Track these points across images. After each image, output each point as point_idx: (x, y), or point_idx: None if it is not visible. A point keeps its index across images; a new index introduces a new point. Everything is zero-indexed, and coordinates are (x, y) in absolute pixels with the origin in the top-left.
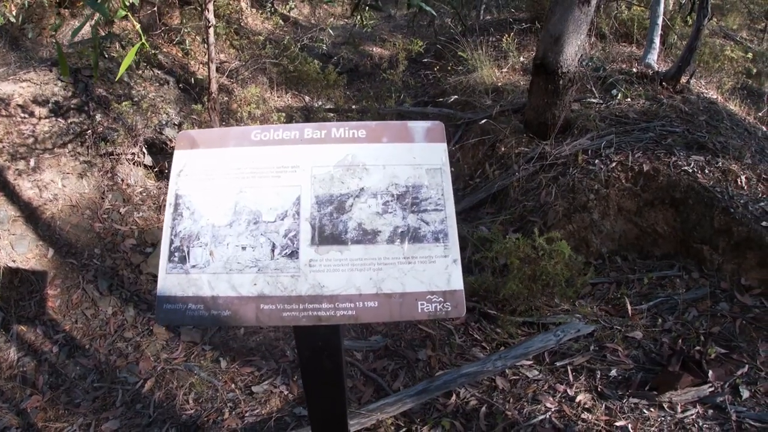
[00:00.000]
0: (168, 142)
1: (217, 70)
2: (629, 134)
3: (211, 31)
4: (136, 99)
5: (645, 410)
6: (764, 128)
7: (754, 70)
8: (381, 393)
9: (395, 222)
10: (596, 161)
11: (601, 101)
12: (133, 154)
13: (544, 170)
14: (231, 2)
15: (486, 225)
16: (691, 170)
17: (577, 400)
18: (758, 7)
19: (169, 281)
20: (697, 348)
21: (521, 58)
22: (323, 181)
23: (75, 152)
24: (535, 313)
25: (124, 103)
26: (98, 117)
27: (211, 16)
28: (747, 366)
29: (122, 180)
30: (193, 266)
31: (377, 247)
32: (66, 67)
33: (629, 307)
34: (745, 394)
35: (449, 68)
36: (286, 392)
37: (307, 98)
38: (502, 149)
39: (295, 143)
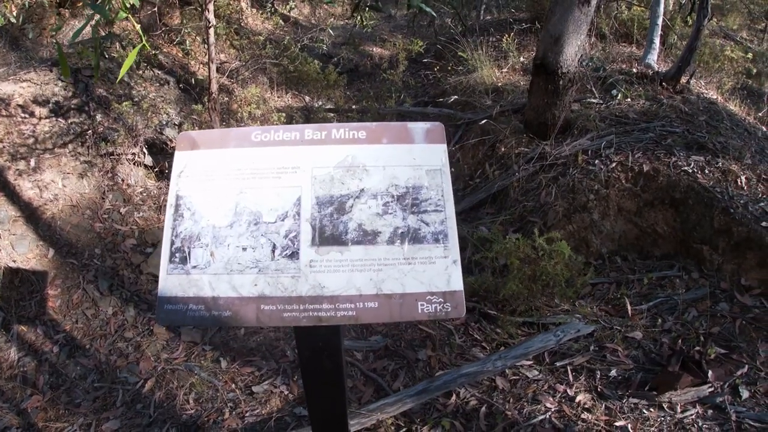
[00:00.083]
0: (168, 142)
1: (218, 70)
2: (629, 134)
3: (212, 31)
4: (136, 99)
5: (645, 410)
6: (764, 128)
7: (754, 71)
8: (381, 393)
9: (395, 223)
10: (596, 161)
11: (601, 101)
12: (133, 154)
13: (544, 170)
14: (231, 2)
15: (486, 225)
16: (691, 170)
17: (577, 400)
18: (758, 7)
19: (170, 282)
20: (697, 348)
21: (521, 58)
22: (323, 182)
23: (75, 152)
24: (535, 313)
25: (124, 103)
26: (99, 117)
27: (211, 16)
28: (747, 366)
29: (122, 180)
30: (194, 267)
31: (377, 248)
32: (67, 68)
33: (629, 308)
34: (745, 394)
35: (449, 68)
36: (286, 392)
37: (307, 98)
38: (502, 149)
39: (296, 144)
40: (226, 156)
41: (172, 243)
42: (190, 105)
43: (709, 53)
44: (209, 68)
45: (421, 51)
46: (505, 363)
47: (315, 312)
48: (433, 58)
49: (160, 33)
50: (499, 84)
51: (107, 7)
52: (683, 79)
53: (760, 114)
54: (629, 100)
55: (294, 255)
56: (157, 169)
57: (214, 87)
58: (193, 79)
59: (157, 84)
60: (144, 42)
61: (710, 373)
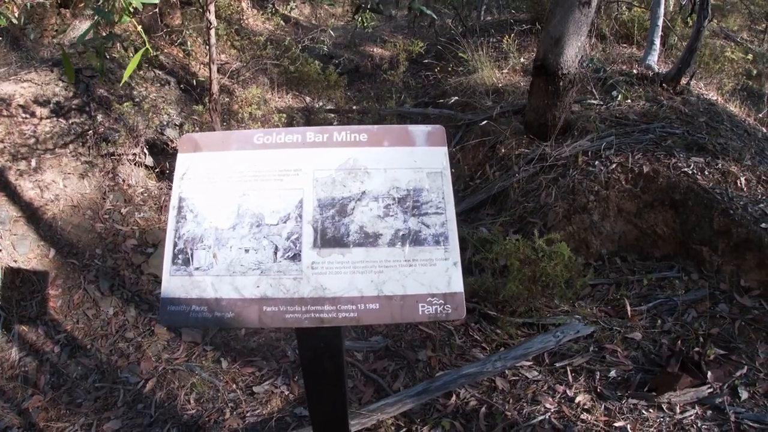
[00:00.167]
0: (169, 143)
1: (218, 70)
2: (629, 136)
3: (213, 32)
4: (137, 100)
5: (644, 411)
6: (764, 129)
7: (755, 72)
8: (381, 393)
9: (396, 225)
10: (596, 163)
11: (602, 102)
12: (134, 154)
13: (544, 171)
14: (232, 3)
15: (486, 226)
16: (690, 172)
17: (577, 400)
18: (759, 8)
19: (173, 283)
20: (696, 349)
21: (522, 59)
22: (325, 185)
23: (76, 153)
24: (534, 314)
25: (125, 103)
26: (99, 117)
27: (212, 17)
28: (746, 367)
29: (123, 180)
30: (197, 268)
31: (378, 250)
32: (72, 72)
33: (629, 308)
34: (744, 395)
35: (450, 69)
36: (286, 392)
37: (307, 99)
38: (503, 150)
39: (298, 147)
40: (228, 158)
41: (175, 245)
42: (190, 105)
43: (710, 54)
44: (210, 69)
45: (422, 52)
46: (504, 364)
47: (317, 313)
48: (433, 59)
49: (161, 34)
50: (500, 85)
51: (111, 11)
52: (683, 81)
53: (760, 115)
54: (629, 101)
55: (296, 257)
56: (157, 170)
57: (215, 88)
58: (194, 80)
59: (158, 84)
60: (147, 46)
61: (709, 374)
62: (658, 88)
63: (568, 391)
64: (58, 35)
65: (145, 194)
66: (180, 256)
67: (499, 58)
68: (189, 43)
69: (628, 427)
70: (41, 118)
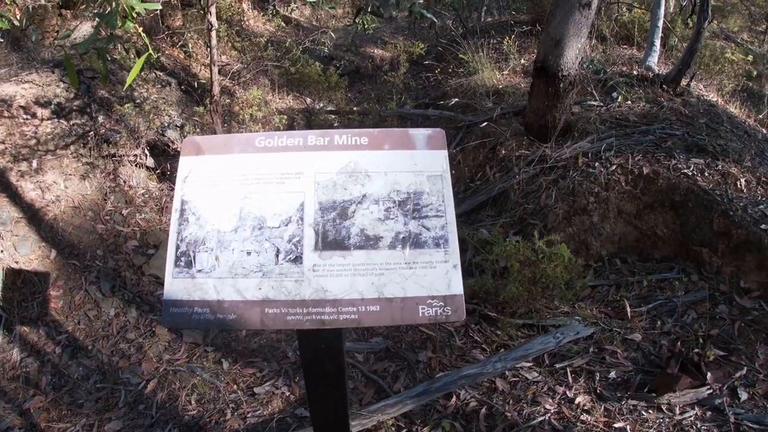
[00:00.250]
0: (170, 144)
1: (219, 72)
2: (629, 137)
3: (214, 33)
4: (138, 101)
5: (644, 412)
6: (764, 131)
7: (755, 73)
8: (382, 394)
9: (397, 228)
10: (596, 164)
11: (602, 104)
12: (135, 155)
13: (544, 173)
14: (233, 4)
15: (486, 227)
16: (690, 173)
17: (577, 401)
18: (759, 9)
19: (176, 285)
20: (696, 350)
21: (522, 61)
22: (326, 188)
23: (77, 154)
24: (534, 315)
25: (126, 105)
26: (100, 119)
27: (213, 19)
28: (745, 368)
29: (124, 182)
30: (199, 271)
31: (379, 253)
32: (75, 77)
33: (628, 310)
34: (744, 396)
35: (450, 70)
36: (287, 393)
37: (308, 100)
38: (503, 152)
39: (299, 150)
40: (230, 161)
41: (178, 247)
42: (191, 107)
43: (710, 55)
44: (211, 71)
45: (422, 53)
46: (505, 365)
47: (318, 315)
48: (434, 61)
49: (162, 36)
50: (500, 86)
51: (113, 16)
52: (683, 82)
53: (760, 116)
54: (629, 102)
55: (297, 259)
56: (158, 171)
57: (216, 89)
58: (195, 81)
59: (159, 86)
60: (150, 51)
61: (709, 375)
62: (658, 89)
63: (568, 392)
64: (59, 36)
65: (146, 195)
66: (182, 259)
67: (500, 59)
68: (190, 45)
69: (628, 428)
70: (42, 119)
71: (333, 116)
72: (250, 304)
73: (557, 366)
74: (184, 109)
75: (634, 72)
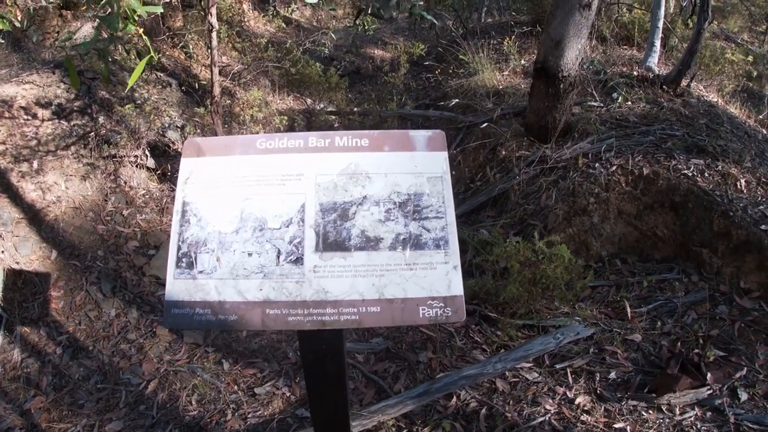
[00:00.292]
0: (171, 145)
1: (220, 72)
2: (629, 138)
3: (214, 35)
4: (138, 102)
5: (644, 412)
6: (764, 131)
7: (755, 73)
8: (382, 395)
9: (397, 229)
10: (596, 165)
11: (602, 105)
12: (135, 156)
13: (544, 174)
14: (233, 5)
15: (487, 228)
16: (690, 174)
17: (577, 402)
18: (759, 10)
19: (177, 286)
20: (696, 351)
21: (522, 61)
22: (327, 189)
23: (78, 154)
24: (535, 316)
25: (127, 105)
26: (101, 119)
27: (214, 20)
28: (745, 369)
29: (125, 182)
30: (201, 272)
31: (380, 254)
32: (77, 80)
33: (629, 310)
34: (744, 396)
35: (450, 71)
36: (288, 394)
37: (308, 101)
38: (503, 152)
39: (300, 152)
40: (231, 163)
41: (179, 248)
42: (192, 107)
43: (710, 56)
44: (212, 72)
45: (423, 54)
46: (505, 365)
47: (319, 316)
48: (434, 61)
49: (163, 37)
50: (500, 87)
51: (115, 19)
52: (684, 82)
53: (760, 117)
54: (630, 103)
55: (298, 260)
56: (159, 172)
57: (217, 90)
58: (195, 82)
59: (160, 86)
60: (152, 54)
61: (709, 375)
62: (658, 90)
63: (568, 393)
64: (61, 39)
65: (147, 196)
66: (184, 260)
67: (500, 60)
68: (191, 45)
69: (628, 428)
70: (43, 120)
71: (333, 117)
72: (251, 305)
73: (557, 366)
74: (185, 109)
75: (635, 73)
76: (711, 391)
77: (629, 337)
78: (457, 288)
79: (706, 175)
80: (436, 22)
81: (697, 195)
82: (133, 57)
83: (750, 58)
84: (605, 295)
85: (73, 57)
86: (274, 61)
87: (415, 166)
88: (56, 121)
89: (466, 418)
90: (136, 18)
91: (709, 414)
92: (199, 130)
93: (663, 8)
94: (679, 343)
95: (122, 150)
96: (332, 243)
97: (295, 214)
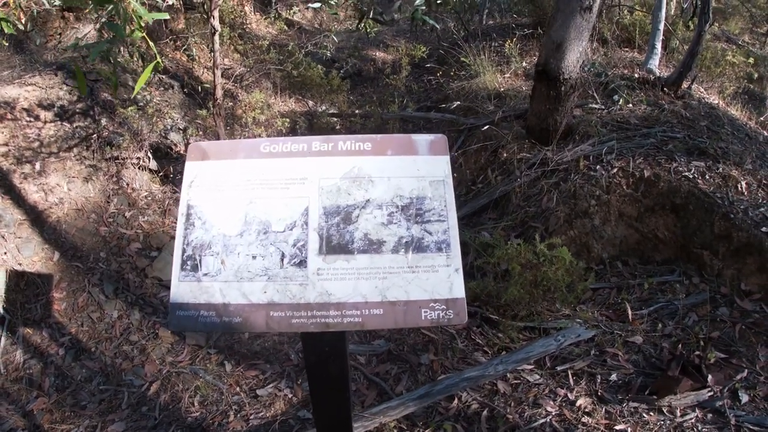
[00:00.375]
0: (173, 147)
1: (222, 75)
2: (630, 140)
3: (217, 37)
4: (141, 104)
5: (644, 414)
6: (765, 133)
7: (756, 75)
8: (384, 396)
9: (400, 232)
10: (597, 167)
11: (603, 107)
12: (138, 158)
13: (545, 176)
14: (235, 7)
15: (488, 230)
16: (691, 176)
17: (578, 404)
18: (760, 11)
19: (182, 289)
20: (697, 353)
21: (524, 64)
22: (330, 193)
23: (80, 156)
24: (536, 318)
25: (129, 107)
26: (103, 121)
27: (216, 23)
28: (746, 370)
29: (127, 184)
30: (205, 274)
31: (382, 257)
32: (84, 84)
33: (630, 312)
34: (744, 398)
35: (452, 73)
36: (290, 395)
37: (310, 103)
38: (505, 155)
39: (303, 155)
40: (235, 167)
41: (184, 251)
42: (194, 109)
43: (711, 58)
44: (214, 74)
45: (424, 56)
46: (506, 367)
47: (322, 318)
48: (435, 63)
49: (166, 40)
50: (502, 89)
51: (122, 25)
52: (685, 84)
53: (761, 118)
54: (631, 105)
55: (302, 263)
56: (161, 174)
57: (219, 93)
58: (198, 85)
59: (162, 88)
60: (158, 59)
61: (710, 377)
62: (659, 92)
63: (569, 395)
64: (68, 45)
65: (149, 198)
66: (189, 263)
67: (501, 62)
68: (194, 50)
69: (629, 430)
70: (45, 122)
71: (335, 119)
72: (255, 307)
73: (558, 368)
74: (187, 112)
75: (636, 75)
76: (712, 393)
77: (630, 339)
78: (459, 290)
79: (707, 177)
80: (437, 26)
81: (698, 197)
82: (136, 59)
83: (751, 60)
84: (606, 297)
85: (76, 59)
86: (276, 63)
87: (418, 170)
88: (59, 122)
89: (468, 420)
90: (142, 24)
91: (709, 416)
92: (201, 132)
93: (664, 10)
94: (680, 345)
95: (124, 152)
96: (335, 246)
97: (299, 218)
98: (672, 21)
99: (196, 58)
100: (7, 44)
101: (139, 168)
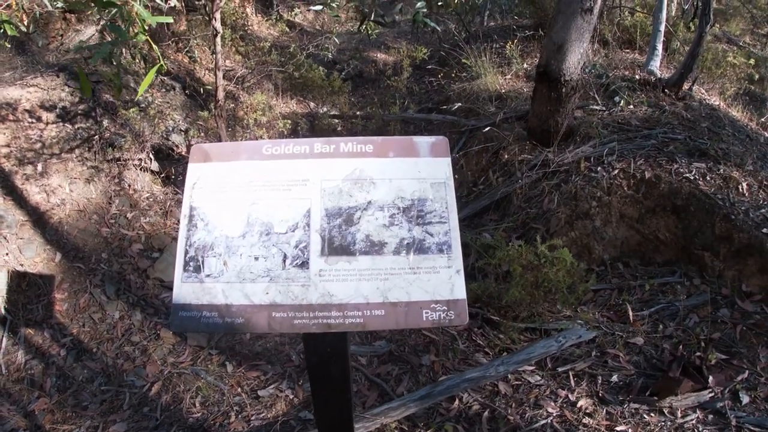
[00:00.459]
0: (175, 148)
1: (224, 76)
2: (631, 141)
3: (218, 39)
4: (143, 105)
5: (645, 415)
6: (766, 134)
7: (757, 76)
8: (385, 397)
9: (401, 234)
10: (598, 168)
11: (604, 108)
12: (140, 159)
13: (546, 177)
14: (237, 9)
15: (489, 232)
16: (692, 177)
17: (579, 405)
18: (761, 12)
19: (185, 290)
20: (698, 354)
21: (525, 65)
22: (332, 195)
23: (82, 157)
24: (537, 319)
25: (131, 109)
26: (105, 123)
27: (218, 25)
28: (747, 372)
29: (129, 185)
30: (208, 275)
31: (384, 258)
32: (88, 87)
33: (631, 314)
34: (745, 399)
35: (453, 75)
36: (291, 396)
37: (312, 105)
38: (506, 156)
39: (305, 157)
40: (237, 168)
41: (186, 252)
42: (196, 111)
43: (712, 59)
44: (216, 76)
45: (425, 57)
46: (507, 368)
47: (324, 319)
48: (437, 65)
49: (168, 42)
50: (503, 91)
51: (126, 28)
52: (686, 86)
53: (762, 120)
54: (632, 106)
55: (304, 264)
56: (163, 175)
57: (221, 95)
58: (199, 86)
59: (164, 90)
60: (161, 63)
61: (711, 378)
62: (660, 93)
63: (570, 396)
64: (64, 41)
65: (151, 199)
66: (191, 264)
67: (502, 63)
68: (196, 52)
69: (630, 431)
70: (47, 123)
71: (336, 120)
72: (257, 308)
73: (559, 369)
74: (189, 113)
75: (637, 76)
76: (713, 394)
77: (631, 340)
78: (460, 291)
79: (708, 178)
80: (438, 28)
81: (699, 198)
82: (138, 61)
83: (752, 61)
84: (607, 298)
85: (78, 60)
86: (278, 65)
87: (419, 172)
88: (60, 124)
89: (469, 421)
90: (145, 27)
91: (710, 417)
92: (202, 134)
93: (665, 12)
94: (680, 346)
95: (126, 153)
96: (337, 247)
97: (301, 219)
98: (673, 22)
99: (198, 59)
100: (9, 46)
101: (140, 169)
